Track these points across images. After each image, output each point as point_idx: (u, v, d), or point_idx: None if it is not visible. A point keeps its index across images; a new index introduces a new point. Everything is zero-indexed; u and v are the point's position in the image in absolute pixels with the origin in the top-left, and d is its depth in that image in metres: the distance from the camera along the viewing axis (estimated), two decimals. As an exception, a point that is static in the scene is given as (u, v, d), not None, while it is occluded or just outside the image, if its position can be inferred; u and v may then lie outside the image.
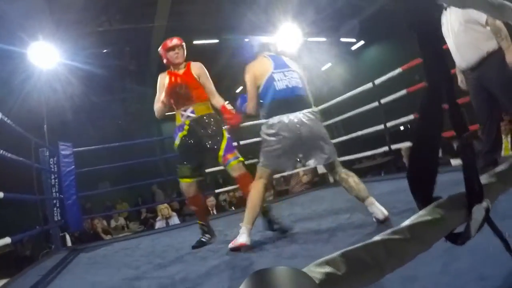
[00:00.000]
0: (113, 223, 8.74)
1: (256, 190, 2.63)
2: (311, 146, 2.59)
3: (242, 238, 2.52)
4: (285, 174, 7.07)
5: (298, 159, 2.82)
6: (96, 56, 9.94)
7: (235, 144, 3.30)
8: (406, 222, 0.67)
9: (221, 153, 2.99)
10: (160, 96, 3.10)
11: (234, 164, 2.99)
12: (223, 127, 3.12)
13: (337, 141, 6.78)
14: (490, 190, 0.80)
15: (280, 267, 0.52)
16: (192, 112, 3.07)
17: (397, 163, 6.78)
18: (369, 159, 10.10)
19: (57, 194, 4.92)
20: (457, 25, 3.02)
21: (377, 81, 5.32)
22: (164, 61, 3.17)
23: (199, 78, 3.11)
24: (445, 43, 3.10)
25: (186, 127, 3.08)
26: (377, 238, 0.62)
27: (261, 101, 2.67)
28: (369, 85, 5.49)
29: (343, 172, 2.65)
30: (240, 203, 7.69)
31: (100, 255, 3.78)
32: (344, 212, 3.29)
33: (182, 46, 3.14)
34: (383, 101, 5.28)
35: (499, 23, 2.72)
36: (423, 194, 0.75)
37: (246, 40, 3.02)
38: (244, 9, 9.93)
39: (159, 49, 3.18)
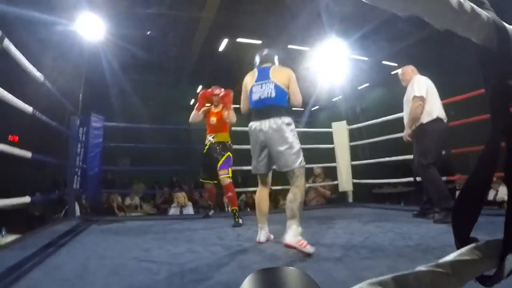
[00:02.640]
0: (127, 201, 8.78)
1: (257, 194, 3.17)
2: (271, 152, 2.90)
3: (261, 237, 3.04)
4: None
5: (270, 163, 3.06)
6: (139, 36, 10.08)
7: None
8: (448, 258, 0.72)
9: (217, 167, 4.44)
10: (198, 112, 4.54)
11: (222, 178, 4.38)
12: (227, 152, 4.53)
13: (360, 163, 6.70)
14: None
15: (281, 267, 0.57)
16: (213, 138, 4.61)
17: (418, 195, 6.57)
18: (389, 185, 9.96)
19: (81, 163, 4.99)
20: (404, 102, 4.19)
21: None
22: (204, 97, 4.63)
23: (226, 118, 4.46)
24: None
25: (206, 146, 4.63)
26: (422, 268, 0.66)
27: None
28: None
29: (293, 186, 2.79)
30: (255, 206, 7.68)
31: (112, 231, 3.80)
32: (359, 234, 3.29)
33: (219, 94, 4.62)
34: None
35: (412, 108, 3.92)
36: (463, 234, 0.81)
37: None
38: (290, 18, 9.94)
39: (206, 90, 4.67)
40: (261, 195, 3.11)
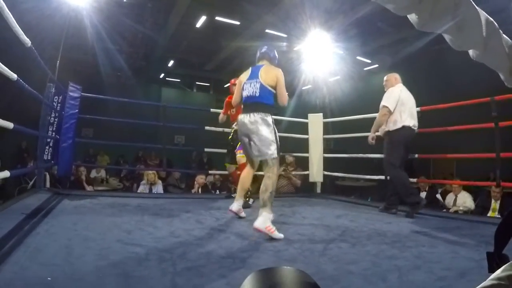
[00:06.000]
0: (93, 173, 8.59)
1: (243, 172, 3.67)
2: (251, 141, 3.25)
3: (233, 206, 3.57)
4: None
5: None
6: (117, 3, 9.65)
7: None
8: (499, 273, 0.87)
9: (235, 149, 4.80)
10: (224, 115, 5.10)
11: (238, 157, 4.72)
12: None
13: (329, 156, 6.78)
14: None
15: (280, 267, 0.57)
16: (235, 125, 4.76)
17: (381, 191, 6.73)
18: (351, 179, 10.16)
19: (53, 134, 4.76)
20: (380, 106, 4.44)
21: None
22: (230, 90, 5.05)
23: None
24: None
25: (232, 133, 4.97)
26: (493, 282, 0.83)
27: None
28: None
29: (265, 177, 3.15)
30: (223, 188, 7.70)
31: (86, 207, 3.70)
32: (335, 227, 3.42)
33: None
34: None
35: (378, 116, 4.36)
36: (499, 250, 1.02)
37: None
38: (271, 3, 9.82)
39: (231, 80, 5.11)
40: (248, 173, 3.60)
